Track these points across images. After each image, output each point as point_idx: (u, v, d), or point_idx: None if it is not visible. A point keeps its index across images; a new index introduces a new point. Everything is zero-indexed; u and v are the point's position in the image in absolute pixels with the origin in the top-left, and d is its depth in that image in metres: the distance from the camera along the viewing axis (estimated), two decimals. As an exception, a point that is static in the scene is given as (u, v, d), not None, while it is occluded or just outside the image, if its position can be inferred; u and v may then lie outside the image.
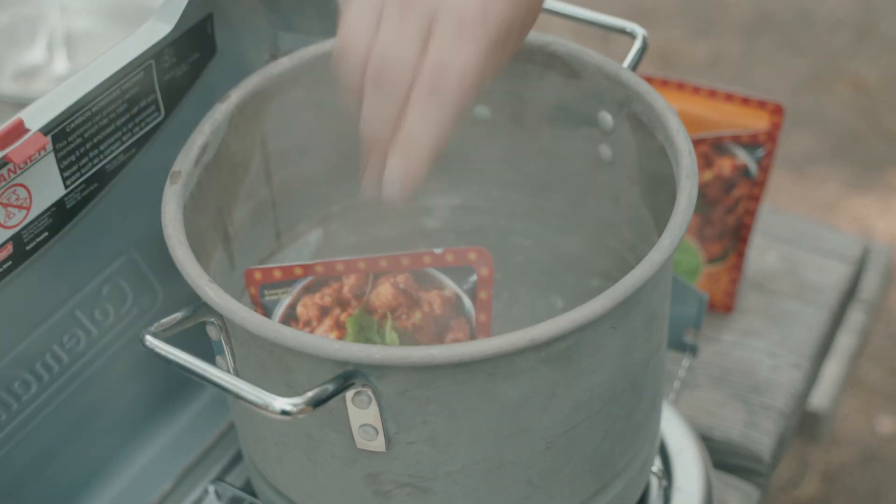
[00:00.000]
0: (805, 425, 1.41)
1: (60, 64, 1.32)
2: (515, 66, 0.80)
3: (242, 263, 0.81)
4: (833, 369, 1.37)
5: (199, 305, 0.65)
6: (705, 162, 0.99)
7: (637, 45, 0.78)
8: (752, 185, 0.99)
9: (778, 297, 1.05)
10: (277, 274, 0.72)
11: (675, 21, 2.39)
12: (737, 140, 0.99)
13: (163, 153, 0.76)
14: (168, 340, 0.64)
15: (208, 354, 0.69)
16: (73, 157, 0.72)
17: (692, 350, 0.91)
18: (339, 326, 0.72)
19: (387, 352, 0.60)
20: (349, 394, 0.62)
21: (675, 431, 0.87)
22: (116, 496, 0.83)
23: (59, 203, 0.73)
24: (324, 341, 0.61)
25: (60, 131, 0.70)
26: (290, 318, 0.72)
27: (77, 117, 0.71)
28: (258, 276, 0.73)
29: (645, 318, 0.67)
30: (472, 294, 0.71)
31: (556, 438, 0.67)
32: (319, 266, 0.72)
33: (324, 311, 0.72)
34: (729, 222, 1.00)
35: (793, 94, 2.25)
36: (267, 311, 0.73)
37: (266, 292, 0.72)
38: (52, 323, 0.76)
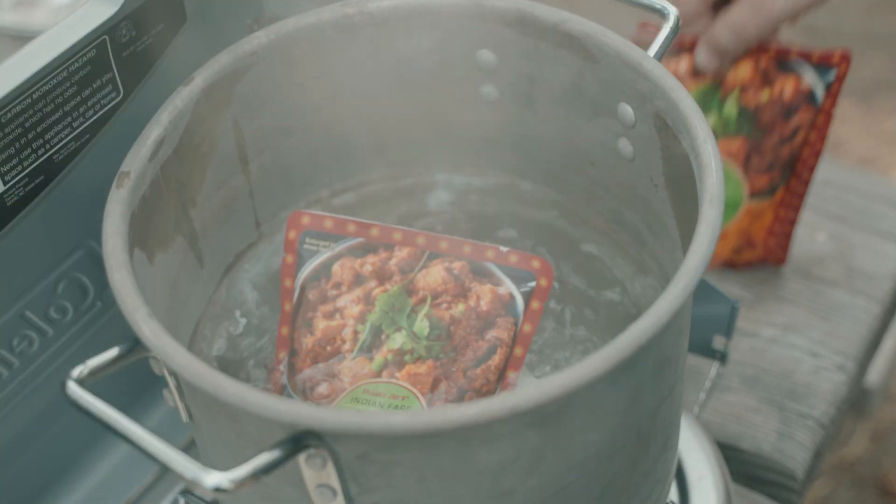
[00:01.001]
0: (855, 402, 1.31)
1: (62, -8, 1.23)
2: (526, 43, 0.70)
3: (216, 259, 0.73)
4: (889, 344, 1.27)
5: (137, 340, 0.57)
6: (764, 79, 0.86)
7: (667, 28, 0.67)
8: (816, 113, 0.87)
9: (825, 284, 0.94)
10: (328, 224, 0.67)
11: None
12: (806, 57, 0.86)
13: (125, 134, 0.67)
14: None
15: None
16: (11, 150, 0.63)
17: (722, 358, 0.82)
18: (368, 301, 0.66)
19: (340, 418, 0.51)
20: (302, 456, 0.54)
21: (695, 454, 0.78)
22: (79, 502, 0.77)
23: (-2, 201, 0.64)
24: (269, 400, 0.52)
25: (-6, 123, 0.61)
26: (321, 275, 0.67)
27: (13, 107, 0.62)
28: (305, 220, 0.67)
29: (654, 366, 0.58)
30: (526, 300, 0.66)
31: (546, 500, 0.58)
32: (375, 229, 0.67)
33: (358, 280, 0.67)
34: (782, 154, 0.88)
35: (865, 14, 2.10)
36: (300, 260, 0.67)
37: (308, 240, 0.67)
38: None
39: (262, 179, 0.74)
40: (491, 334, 0.65)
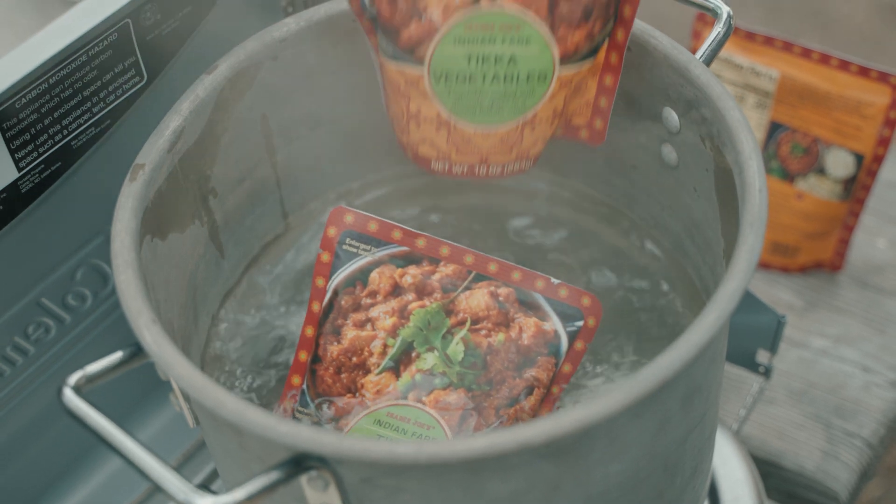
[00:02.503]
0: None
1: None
2: (570, 38, 0.66)
3: (238, 251, 0.70)
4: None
5: (140, 346, 0.55)
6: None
7: (718, 29, 0.63)
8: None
9: (882, 294, 0.90)
10: (372, 227, 0.62)
11: None
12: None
13: (148, 120, 0.65)
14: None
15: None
16: (26, 136, 0.61)
17: (766, 372, 0.78)
18: (402, 315, 0.62)
19: (341, 443, 0.49)
20: (304, 477, 0.51)
21: (731, 474, 0.75)
22: (89, 496, 0.75)
23: (12, 187, 0.62)
24: (269, 420, 0.50)
25: (7, 109, 0.59)
26: (357, 281, 0.62)
27: (27, 93, 0.60)
28: (349, 219, 0.62)
29: (683, 395, 0.55)
30: (570, 339, 0.61)
31: (562, 531, 0.55)
32: (422, 240, 0.62)
33: (396, 291, 0.62)
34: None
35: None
36: (338, 261, 0.63)
37: (348, 240, 0.63)
38: (12, 314, 0.67)
39: (289, 170, 0.71)
40: (529, 373, 0.61)
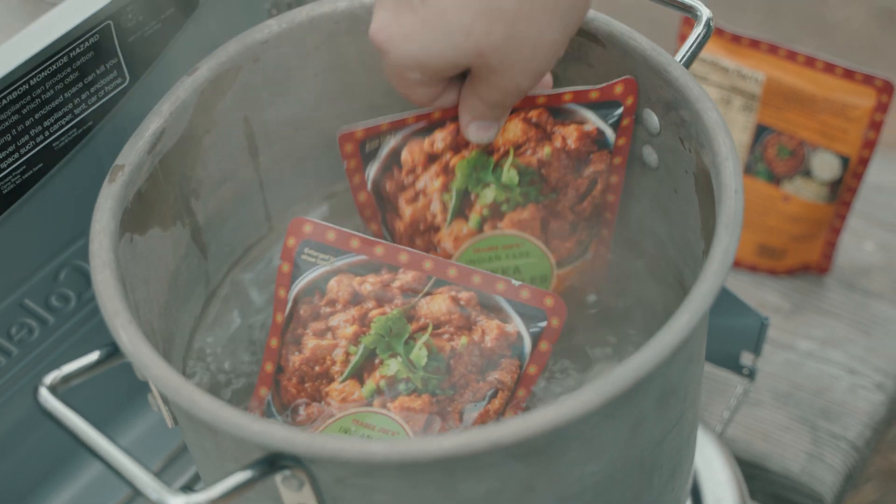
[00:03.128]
0: None
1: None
2: (551, 40, 0.66)
3: (221, 253, 0.71)
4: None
5: (117, 346, 0.55)
6: (540, 133, 0.67)
7: (698, 30, 0.63)
8: (611, 156, 0.68)
9: (869, 297, 0.90)
10: (330, 236, 0.62)
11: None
12: (581, 100, 0.66)
13: (131, 122, 0.65)
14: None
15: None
16: (7, 137, 0.62)
17: (750, 374, 0.78)
18: (363, 323, 0.62)
19: (313, 441, 0.49)
20: (278, 476, 0.51)
21: (714, 476, 0.75)
22: (73, 497, 0.75)
23: (-8, 189, 0.62)
24: (244, 420, 0.50)
25: (-12, 110, 0.60)
26: (315, 290, 0.62)
27: (10, 92, 0.60)
28: (307, 229, 0.62)
29: (658, 395, 0.55)
30: (534, 340, 0.61)
31: (537, 531, 0.55)
32: (380, 248, 0.62)
33: (355, 299, 0.62)
34: (583, 210, 0.69)
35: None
36: (297, 271, 0.62)
37: (307, 250, 0.62)
38: (-6, 315, 0.67)
39: (273, 172, 0.71)
40: (493, 376, 0.61)
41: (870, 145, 0.86)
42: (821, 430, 0.83)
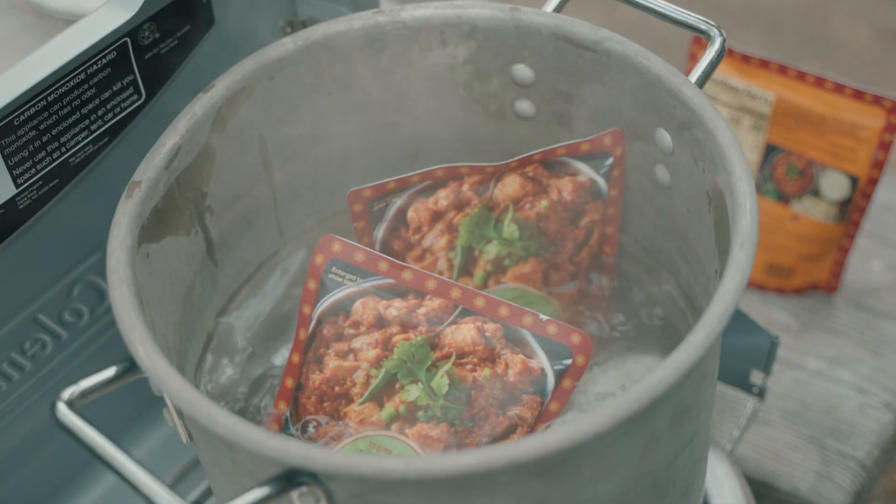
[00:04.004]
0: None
1: (118, -28, 1.22)
2: (565, 60, 0.67)
3: (233, 269, 0.71)
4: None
5: (134, 362, 0.55)
6: (537, 187, 0.69)
7: (712, 51, 0.64)
8: (605, 206, 0.70)
9: (878, 316, 0.90)
10: (359, 257, 0.62)
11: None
12: (573, 152, 0.69)
13: (146, 138, 0.65)
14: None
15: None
16: (24, 153, 0.62)
17: (760, 393, 0.78)
18: (386, 347, 0.62)
19: (331, 458, 0.49)
20: (294, 493, 0.52)
21: (724, 494, 0.75)
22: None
23: (10, 204, 0.63)
24: (261, 436, 0.50)
25: (6, 126, 0.60)
26: (340, 311, 0.62)
27: (26, 110, 0.60)
28: (336, 247, 0.63)
29: (672, 414, 0.55)
30: (558, 378, 0.61)
31: (551, 549, 0.55)
32: (408, 272, 0.62)
33: (380, 323, 0.62)
34: (581, 260, 0.71)
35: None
36: (323, 289, 0.63)
37: (334, 269, 0.63)
38: (9, 330, 0.67)
39: (286, 189, 0.71)
40: (514, 411, 0.61)
41: (879, 165, 0.86)
42: (830, 450, 0.83)
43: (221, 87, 0.65)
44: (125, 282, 0.56)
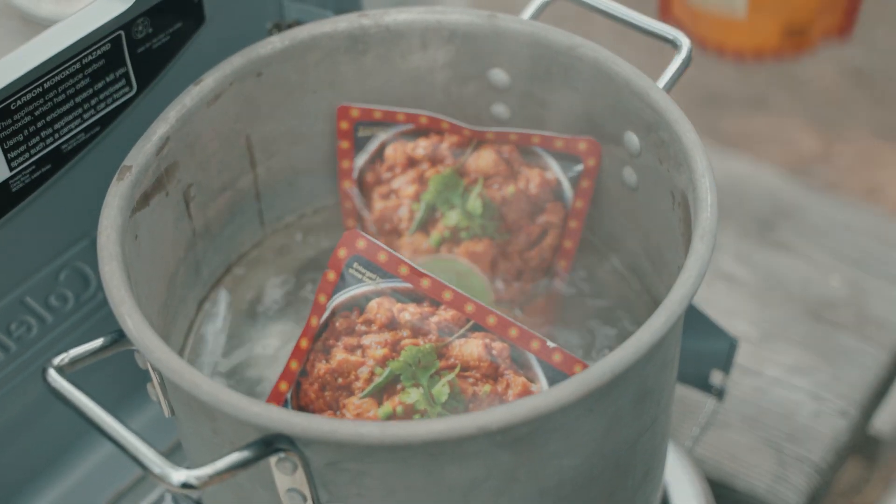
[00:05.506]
0: (864, 448, 1.30)
1: (105, -16, 1.24)
2: (540, 65, 0.70)
3: (216, 259, 0.73)
4: (903, 391, 1.25)
5: (122, 333, 0.57)
6: (509, 170, 0.71)
7: (679, 58, 0.67)
8: (566, 215, 0.72)
9: (835, 329, 0.93)
10: (381, 257, 0.64)
11: None
12: (547, 145, 0.71)
13: (137, 130, 0.68)
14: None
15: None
16: (19, 137, 0.64)
17: (719, 393, 0.81)
18: (394, 349, 0.63)
19: (310, 423, 0.52)
20: (272, 459, 0.54)
21: (684, 490, 0.78)
22: (67, 492, 0.77)
23: (3, 186, 0.65)
24: (243, 401, 0.53)
25: (3, 109, 0.62)
26: (355, 307, 0.64)
27: (25, 94, 0.63)
28: (360, 244, 0.64)
29: (634, 395, 0.58)
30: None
31: (517, 522, 0.58)
32: (427, 280, 0.63)
33: (392, 324, 0.63)
34: (530, 259, 0.72)
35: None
36: (342, 283, 0.64)
37: (355, 265, 0.64)
38: (-4, 311, 0.70)
39: (269, 183, 0.74)
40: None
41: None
42: (786, 453, 0.86)
43: (211, 80, 0.68)
44: (115, 258, 0.59)
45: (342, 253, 0.64)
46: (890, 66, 2.07)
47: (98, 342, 0.57)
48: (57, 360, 0.55)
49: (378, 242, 0.64)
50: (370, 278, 0.64)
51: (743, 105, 1.98)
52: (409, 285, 0.63)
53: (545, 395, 0.52)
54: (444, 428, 0.51)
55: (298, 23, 0.76)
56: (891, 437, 1.29)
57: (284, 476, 0.55)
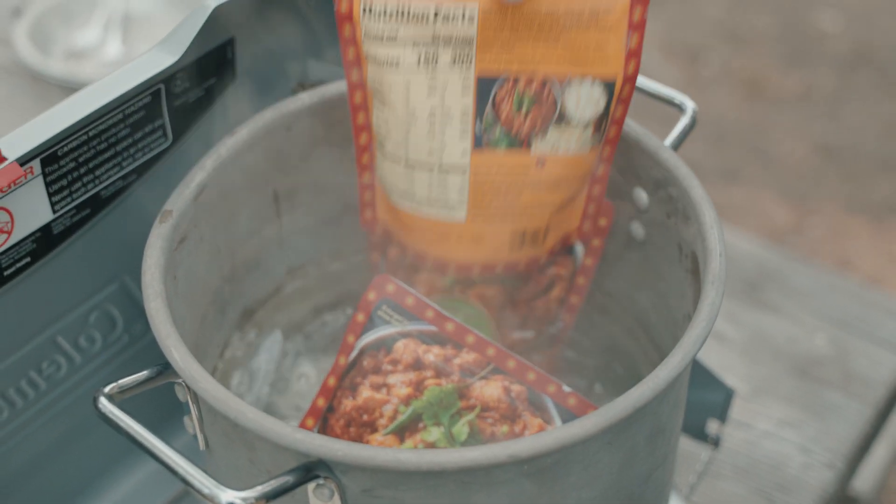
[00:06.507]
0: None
1: (114, 47, 1.29)
2: (552, 125, 0.74)
3: (239, 305, 0.77)
4: (881, 452, 1.29)
5: (166, 365, 0.61)
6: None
7: (685, 120, 0.72)
8: (574, 272, 0.73)
9: (821, 385, 0.98)
10: (409, 301, 0.67)
11: (768, 47, 2.30)
12: None
13: (169, 179, 0.72)
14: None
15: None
16: (64, 182, 0.68)
17: (715, 442, 0.85)
18: (418, 388, 0.66)
19: (350, 449, 0.55)
20: (310, 485, 0.57)
21: (683, 533, 0.81)
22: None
23: (45, 228, 0.68)
24: (286, 429, 0.56)
25: (51, 155, 0.66)
26: (382, 347, 0.67)
27: (71, 141, 0.67)
28: (390, 288, 0.67)
29: (649, 432, 0.61)
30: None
31: (536, 552, 0.61)
32: (451, 324, 0.67)
33: (416, 365, 0.67)
34: (536, 308, 0.73)
35: (883, 137, 2.15)
36: (370, 324, 0.67)
37: (384, 307, 0.67)
38: (30, 349, 0.72)
39: (292, 232, 0.78)
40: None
41: (635, 55, 0.65)
42: (777, 502, 0.89)
43: (245, 132, 0.71)
44: (160, 295, 0.62)
45: (372, 296, 0.67)
46: (858, 142, 2.14)
47: (144, 374, 0.60)
48: (107, 389, 0.58)
49: (406, 287, 0.67)
50: (398, 321, 0.67)
51: (717, 177, 2.04)
52: (434, 328, 0.67)
53: (571, 426, 0.55)
54: (477, 455, 0.54)
55: (321, 82, 0.81)
56: (870, 498, 1.33)
57: (321, 503, 0.58)
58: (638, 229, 0.73)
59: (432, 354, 0.66)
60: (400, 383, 0.66)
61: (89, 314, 0.75)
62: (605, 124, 0.67)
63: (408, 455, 0.54)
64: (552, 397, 0.66)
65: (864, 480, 1.30)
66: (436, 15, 0.64)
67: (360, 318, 0.68)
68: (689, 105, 0.72)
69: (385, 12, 0.64)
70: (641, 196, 0.72)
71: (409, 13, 0.64)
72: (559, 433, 0.55)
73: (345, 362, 0.68)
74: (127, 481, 0.80)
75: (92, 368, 0.77)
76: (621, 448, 0.60)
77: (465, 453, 0.54)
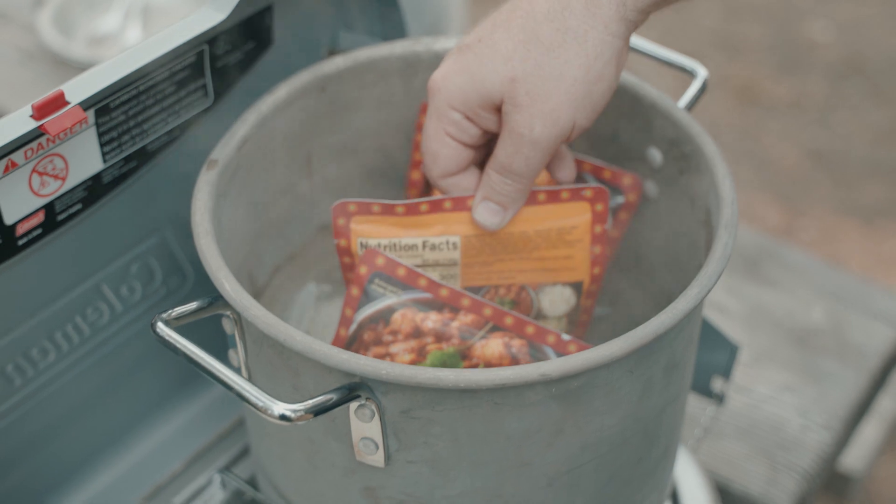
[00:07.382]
0: (834, 486, 1.38)
1: (134, 34, 1.33)
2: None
3: (271, 260, 0.81)
4: (871, 432, 1.34)
5: (216, 297, 0.65)
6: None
7: (696, 84, 0.76)
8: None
9: (818, 354, 1.02)
10: (401, 272, 0.69)
11: (760, 56, 2.36)
12: (597, 173, 0.76)
13: (208, 138, 0.76)
14: (181, 328, 0.63)
15: (221, 347, 0.69)
16: (114, 134, 0.72)
17: (719, 399, 0.89)
18: (420, 354, 0.68)
19: (394, 369, 0.59)
20: (353, 405, 0.61)
21: (690, 481, 0.85)
22: (125, 472, 0.83)
23: (96, 177, 0.72)
24: (332, 350, 0.60)
25: (104, 106, 0.70)
26: (380, 319, 0.69)
27: (122, 94, 0.71)
28: (380, 261, 0.69)
29: (665, 365, 0.66)
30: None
31: (559, 476, 0.65)
32: (445, 290, 0.69)
33: (416, 333, 0.69)
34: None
35: (873, 143, 2.21)
36: (365, 298, 0.69)
37: (377, 280, 0.69)
38: (77, 294, 0.76)
39: (323, 191, 0.82)
40: None
41: (599, 261, 0.74)
42: (778, 460, 0.94)
43: (283, 91, 0.76)
44: (209, 233, 0.66)
45: (363, 270, 0.69)
46: (848, 148, 2.20)
47: (195, 304, 0.64)
48: (164, 315, 0.62)
49: (396, 259, 0.69)
50: (392, 291, 0.69)
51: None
52: (428, 295, 0.69)
53: (597, 350, 0.60)
54: (510, 374, 0.59)
55: (351, 49, 0.85)
56: (860, 475, 1.37)
57: (361, 423, 0.62)
58: (651, 188, 0.78)
59: (430, 320, 0.68)
60: (402, 351, 0.68)
61: (131, 265, 0.79)
62: (577, 312, 0.76)
63: (446, 373, 0.59)
64: (553, 347, 0.68)
65: (857, 459, 1.34)
66: (423, 244, 0.72)
67: (354, 292, 0.70)
68: (701, 71, 0.77)
69: (379, 246, 0.72)
70: (655, 156, 0.76)
71: (399, 245, 0.72)
72: (587, 355, 0.59)
73: (345, 334, 0.70)
74: (139, 448, 0.84)
75: (131, 318, 0.81)
76: (641, 378, 0.64)
77: (499, 372, 0.59)
